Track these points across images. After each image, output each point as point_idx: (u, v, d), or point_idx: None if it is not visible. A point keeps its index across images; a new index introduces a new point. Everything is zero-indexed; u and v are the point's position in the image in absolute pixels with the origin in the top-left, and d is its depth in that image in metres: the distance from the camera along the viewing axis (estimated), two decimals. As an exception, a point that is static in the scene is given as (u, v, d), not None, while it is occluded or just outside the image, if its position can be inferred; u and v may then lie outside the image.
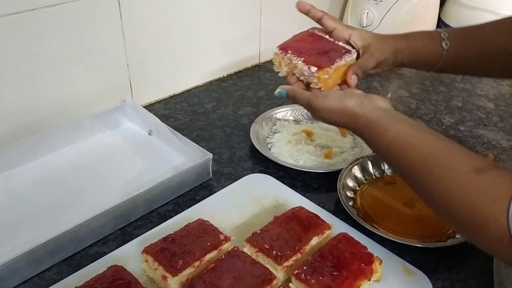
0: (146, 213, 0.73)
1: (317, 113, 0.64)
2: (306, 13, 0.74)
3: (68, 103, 0.88)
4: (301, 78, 0.70)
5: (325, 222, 0.66)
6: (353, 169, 0.80)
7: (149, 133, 0.90)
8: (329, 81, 0.69)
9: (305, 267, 0.58)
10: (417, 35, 0.75)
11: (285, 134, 0.90)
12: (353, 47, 0.72)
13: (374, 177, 0.81)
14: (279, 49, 0.71)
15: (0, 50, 0.76)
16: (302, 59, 0.68)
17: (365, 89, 1.12)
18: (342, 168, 0.79)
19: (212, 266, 0.58)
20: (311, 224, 0.65)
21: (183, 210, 0.73)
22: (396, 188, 0.79)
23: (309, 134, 0.90)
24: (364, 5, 1.20)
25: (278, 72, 0.73)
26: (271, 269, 0.59)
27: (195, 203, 0.74)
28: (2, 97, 0.79)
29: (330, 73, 0.67)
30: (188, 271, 0.59)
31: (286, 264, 0.60)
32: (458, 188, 0.49)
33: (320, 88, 0.69)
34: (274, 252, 0.60)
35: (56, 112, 0.87)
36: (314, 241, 0.63)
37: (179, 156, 0.83)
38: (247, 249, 0.62)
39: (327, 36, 0.73)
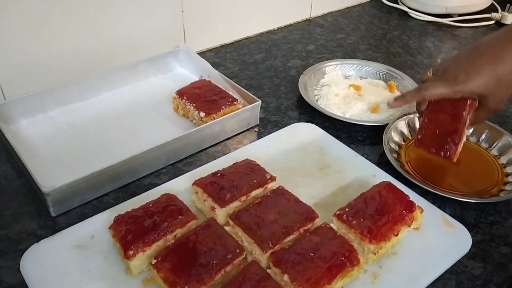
0: (196, 151, 0.77)
1: None
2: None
3: (125, 45, 0.92)
4: (193, 121, 0.81)
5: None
6: (399, 124, 0.80)
7: (199, 79, 0.92)
8: None
9: (347, 209, 0.60)
10: None
11: (333, 88, 0.91)
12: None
13: (420, 134, 0.81)
14: (177, 94, 0.82)
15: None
16: (194, 105, 0.79)
17: (418, 48, 1.10)
18: (389, 123, 0.80)
19: (258, 201, 0.61)
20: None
21: (230, 152, 0.76)
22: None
23: (357, 88, 0.91)
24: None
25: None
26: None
27: (243, 147, 0.77)
28: (66, 34, 0.84)
29: (216, 118, 0.77)
30: (235, 205, 0.62)
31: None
32: None
33: None
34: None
35: (114, 52, 0.91)
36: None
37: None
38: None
39: (220, 85, 0.84)
